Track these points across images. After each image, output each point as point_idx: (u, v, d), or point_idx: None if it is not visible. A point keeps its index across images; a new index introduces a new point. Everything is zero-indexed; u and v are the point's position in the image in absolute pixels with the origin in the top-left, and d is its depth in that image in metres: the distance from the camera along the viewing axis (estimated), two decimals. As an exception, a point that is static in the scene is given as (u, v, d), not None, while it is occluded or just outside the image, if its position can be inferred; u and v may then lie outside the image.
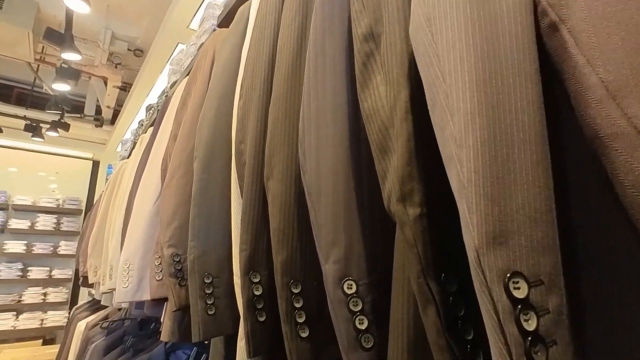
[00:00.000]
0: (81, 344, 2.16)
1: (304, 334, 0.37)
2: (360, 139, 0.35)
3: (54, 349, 3.70)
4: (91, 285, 2.63)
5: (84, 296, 4.50)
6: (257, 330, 0.41)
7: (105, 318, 2.39)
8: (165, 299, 0.72)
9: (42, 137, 3.75)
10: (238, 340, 0.53)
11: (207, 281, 0.53)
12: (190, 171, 0.68)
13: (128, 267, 0.83)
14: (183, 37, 2.35)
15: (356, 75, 0.32)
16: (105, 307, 2.85)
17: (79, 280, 2.87)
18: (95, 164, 4.91)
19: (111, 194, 1.84)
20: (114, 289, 1.28)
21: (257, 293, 0.42)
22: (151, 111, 2.35)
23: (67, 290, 4.30)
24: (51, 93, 3.64)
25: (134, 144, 2.73)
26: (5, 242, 4.01)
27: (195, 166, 0.60)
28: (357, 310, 0.31)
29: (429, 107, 0.23)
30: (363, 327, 0.31)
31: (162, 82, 3.05)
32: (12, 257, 4.05)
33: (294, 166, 0.40)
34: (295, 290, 0.38)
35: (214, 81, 0.65)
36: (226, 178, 0.57)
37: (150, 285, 0.71)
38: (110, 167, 4.82)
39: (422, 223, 0.24)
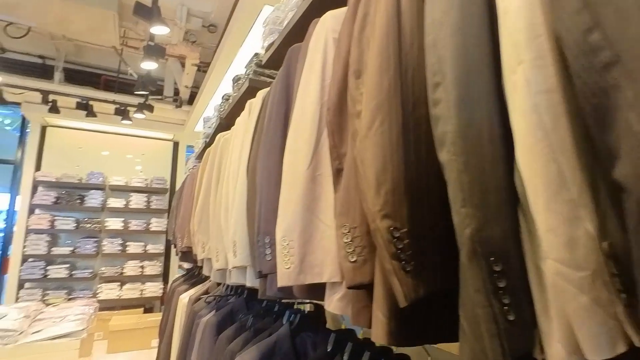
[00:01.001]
0: (188, 318, 2.21)
1: None
2: None
3: (154, 316, 4.00)
4: (188, 260, 2.69)
5: (173, 269, 4.80)
6: None
7: (206, 292, 2.43)
8: (359, 287, 0.55)
9: (130, 120, 3.92)
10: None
11: (497, 269, 0.34)
12: (397, 110, 0.48)
13: (287, 245, 0.68)
14: (270, -2, 2.18)
15: None
16: (200, 280, 2.94)
17: (177, 255, 2.98)
18: (176, 145, 5.10)
19: (212, 169, 1.77)
20: (239, 267, 1.19)
21: None
22: (240, 81, 2.25)
23: (160, 264, 4.60)
24: (135, 77, 3.75)
25: (219, 119, 2.68)
26: (106, 219, 4.35)
27: (438, 96, 0.40)
28: None
29: None
30: None
31: (243, 56, 2.95)
32: (112, 233, 4.40)
33: None
34: None
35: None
36: (499, 101, 0.36)
37: (344, 269, 0.55)
38: (190, 150, 4.97)
39: None
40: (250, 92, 2.00)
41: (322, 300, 0.75)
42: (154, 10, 2.09)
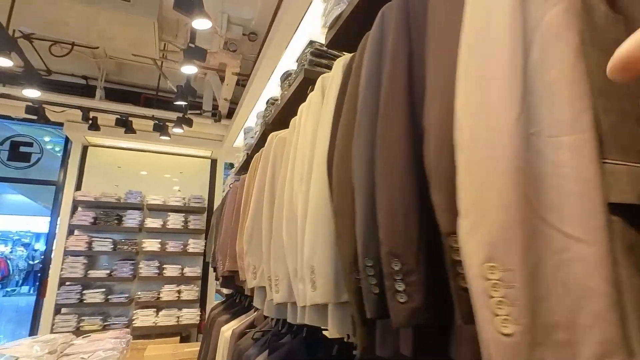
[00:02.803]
0: (232, 357, 1.85)
1: None
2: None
3: (192, 347, 3.67)
4: (230, 286, 2.36)
5: (211, 294, 4.50)
6: None
7: (252, 326, 2.07)
8: None
9: (169, 136, 3.76)
10: None
11: None
12: None
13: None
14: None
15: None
16: (243, 309, 2.59)
17: (218, 280, 2.67)
18: (214, 162, 4.92)
19: (264, 176, 1.44)
20: (318, 303, 0.82)
21: None
22: (290, 78, 1.95)
23: (197, 288, 4.32)
24: (174, 89, 3.60)
25: (265, 125, 2.39)
26: (143, 240, 4.16)
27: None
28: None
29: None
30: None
31: (285, 65, 2.69)
32: (149, 255, 4.19)
33: None
34: None
35: None
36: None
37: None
38: (227, 171, 4.73)
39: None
40: (305, 87, 1.69)
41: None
42: (194, 3, 1.86)
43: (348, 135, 0.74)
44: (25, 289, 11.31)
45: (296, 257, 0.98)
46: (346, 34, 1.35)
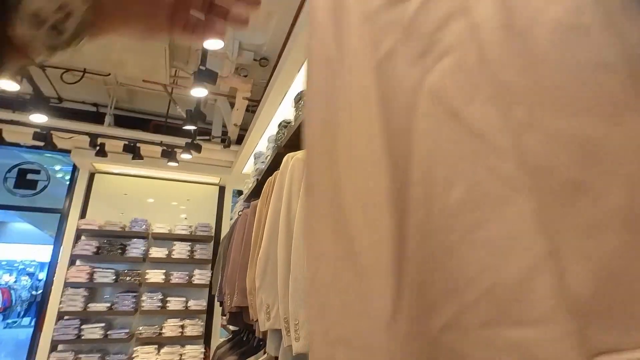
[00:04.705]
0: (239, 408, 1.63)
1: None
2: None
3: (194, 389, 3.40)
4: (238, 323, 2.16)
5: (216, 329, 4.25)
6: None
7: (262, 370, 1.85)
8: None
9: (177, 162, 3.67)
10: None
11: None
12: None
13: None
14: None
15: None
16: (251, 349, 2.37)
17: (224, 315, 2.46)
18: (222, 190, 4.80)
19: (279, 200, 1.29)
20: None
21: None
22: (304, 100, 1.84)
23: (201, 322, 4.07)
24: (183, 115, 3.55)
25: (277, 148, 2.27)
26: (147, 270, 3.98)
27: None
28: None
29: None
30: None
31: (297, 89, 2.61)
32: (153, 287, 3.99)
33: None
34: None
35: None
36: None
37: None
38: (234, 200, 4.59)
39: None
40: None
41: None
42: (207, 22, 1.79)
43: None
44: (26, 320, 10.98)
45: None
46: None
